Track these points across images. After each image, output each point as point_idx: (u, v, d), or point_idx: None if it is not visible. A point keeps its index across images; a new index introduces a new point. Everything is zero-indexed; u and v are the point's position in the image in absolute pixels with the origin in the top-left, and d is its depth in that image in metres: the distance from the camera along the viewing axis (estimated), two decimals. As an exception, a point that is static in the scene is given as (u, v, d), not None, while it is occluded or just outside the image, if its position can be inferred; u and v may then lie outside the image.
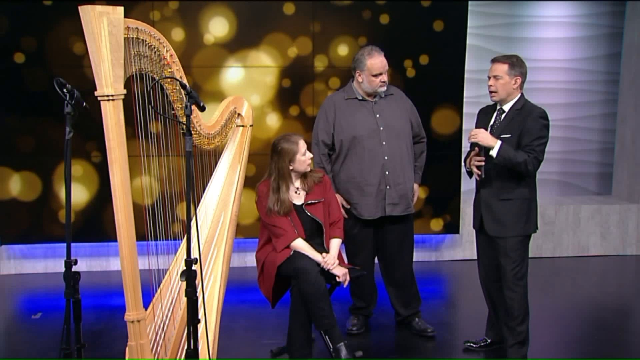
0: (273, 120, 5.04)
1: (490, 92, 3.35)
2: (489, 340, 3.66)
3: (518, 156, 3.20)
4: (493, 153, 3.23)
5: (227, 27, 4.90)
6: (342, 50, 5.01)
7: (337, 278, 3.33)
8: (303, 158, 3.37)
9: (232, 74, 4.96)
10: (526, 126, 3.24)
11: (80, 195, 4.91)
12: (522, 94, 3.35)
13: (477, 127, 3.45)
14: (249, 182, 4.48)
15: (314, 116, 4.45)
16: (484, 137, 3.27)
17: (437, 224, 5.32)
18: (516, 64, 3.30)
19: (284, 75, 5.01)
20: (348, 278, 3.35)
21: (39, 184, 4.89)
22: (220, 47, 4.91)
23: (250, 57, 4.96)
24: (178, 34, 4.85)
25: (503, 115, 3.34)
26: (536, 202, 3.40)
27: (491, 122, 3.39)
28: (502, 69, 3.30)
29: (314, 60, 5.00)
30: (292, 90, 5.03)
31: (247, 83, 4.97)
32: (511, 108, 3.32)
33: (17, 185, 4.89)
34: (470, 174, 3.46)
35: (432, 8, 5.04)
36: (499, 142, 3.23)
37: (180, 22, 4.85)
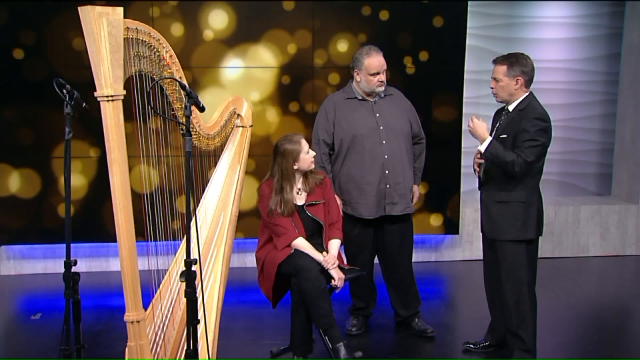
0: (272, 117, 5.04)
1: (493, 94, 3.34)
2: (487, 343, 3.64)
3: (507, 155, 3.15)
4: (481, 148, 3.23)
5: (226, 23, 4.89)
6: (342, 47, 5.01)
7: (332, 281, 3.31)
8: (307, 156, 3.39)
9: (232, 72, 4.96)
10: (520, 127, 3.18)
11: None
12: (530, 93, 3.28)
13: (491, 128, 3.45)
14: (249, 181, 4.48)
15: (314, 113, 4.44)
16: (476, 130, 3.26)
17: (436, 223, 5.32)
18: (515, 64, 3.22)
19: (284, 72, 5.00)
20: (342, 284, 3.33)
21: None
22: (219, 44, 4.91)
23: (249, 54, 4.95)
24: (177, 29, 4.85)
25: (506, 116, 3.32)
26: (537, 207, 3.29)
27: (498, 124, 3.38)
28: (500, 70, 3.25)
29: (313, 57, 5.00)
30: (292, 87, 5.03)
31: (246, 80, 4.97)
32: (515, 108, 3.28)
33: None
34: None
35: (431, 6, 5.03)
36: (489, 139, 3.22)
37: (180, 19, 4.85)
